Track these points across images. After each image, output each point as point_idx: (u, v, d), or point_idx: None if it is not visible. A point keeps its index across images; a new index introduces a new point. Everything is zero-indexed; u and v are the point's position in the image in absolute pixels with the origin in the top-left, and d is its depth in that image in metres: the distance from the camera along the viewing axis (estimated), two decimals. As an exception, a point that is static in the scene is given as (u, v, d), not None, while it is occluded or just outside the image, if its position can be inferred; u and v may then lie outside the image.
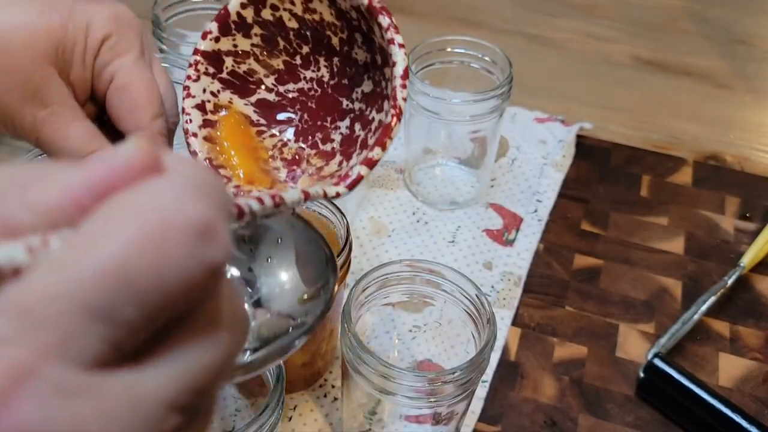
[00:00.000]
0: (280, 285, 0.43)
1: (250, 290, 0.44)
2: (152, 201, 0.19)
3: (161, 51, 0.66)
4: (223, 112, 0.44)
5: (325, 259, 0.41)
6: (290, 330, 0.40)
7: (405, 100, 0.37)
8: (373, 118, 0.41)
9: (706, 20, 0.96)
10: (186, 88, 0.43)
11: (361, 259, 0.63)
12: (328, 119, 0.44)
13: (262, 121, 0.45)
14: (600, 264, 0.66)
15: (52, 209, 0.19)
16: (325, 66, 0.44)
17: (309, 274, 0.42)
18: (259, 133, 0.44)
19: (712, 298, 0.61)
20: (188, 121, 0.43)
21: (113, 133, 0.42)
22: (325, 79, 0.44)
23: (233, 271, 0.44)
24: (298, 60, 0.44)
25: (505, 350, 0.58)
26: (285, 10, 0.43)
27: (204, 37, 0.44)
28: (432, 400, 0.44)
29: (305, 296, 0.42)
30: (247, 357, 0.39)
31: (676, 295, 0.64)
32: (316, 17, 0.43)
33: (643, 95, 0.84)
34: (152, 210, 0.19)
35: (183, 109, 0.43)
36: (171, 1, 0.69)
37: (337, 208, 0.51)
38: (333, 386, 0.55)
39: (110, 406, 0.18)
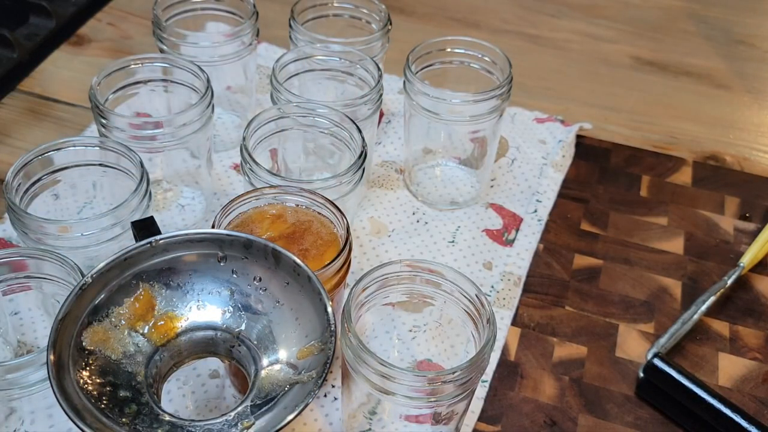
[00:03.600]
0: (281, 341, 0.44)
1: (252, 346, 0.44)
2: None
3: (161, 51, 0.66)
4: None
5: (325, 312, 0.42)
6: (292, 386, 0.41)
7: None
8: None
9: (706, 20, 0.96)
10: None
11: (361, 259, 0.63)
12: None
13: None
14: (600, 264, 0.66)
15: None
16: None
17: (309, 330, 0.42)
18: None
19: (712, 298, 0.61)
20: None
21: None
22: None
23: (241, 327, 0.45)
24: None
25: (505, 350, 0.59)
26: None
27: None
28: (432, 399, 0.44)
29: (306, 351, 0.42)
30: (254, 419, 0.40)
31: (675, 295, 0.64)
32: None
33: (642, 95, 0.84)
34: None
35: None
36: (171, 1, 0.69)
37: (337, 208, 0.51)
38: (333, 386, 0.55)
39: None
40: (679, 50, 0.91)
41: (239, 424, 0.40)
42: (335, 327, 0.42)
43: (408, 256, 0.64)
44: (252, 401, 0.41)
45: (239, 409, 0.41)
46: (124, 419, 0.40)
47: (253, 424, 0.40)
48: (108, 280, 0.43)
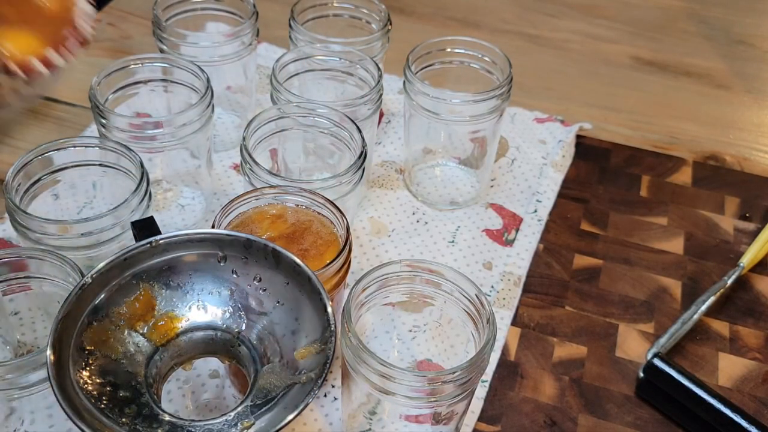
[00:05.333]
0: (281, 341, 0.44)
1: (252, 346, 0.44)
2: None
3: (161, 51, 0.66)
4: None
5: (325, 312, 0.42)
6: (292, 386, 0.41)
7: None
8: None
9: (706, 20, 0.96)
10: None
11: (361, 259, 0.63)
12: None
13: None
14: (599, 264, 0.66)
15: None
16: None
17: (309, 330, 0.42)
18: None
19: (712, 298, 0.61)
20: None
21: None
22: None
23: (241, 327, 0.45)
24: None
25: (505, 350, 0.59)
26: None
27: None
28: (432, 399, 0.44)
29: (306, 351, 0.42)
30: (254, 419, 0.40)
31: (675, 294, 0.64)
32: None
33: (642, 95, 0.84)
34: None
35: None
36: (171, 1, 0.69)
37: (337, 208, 0.51)
38: (333, 386, 0.55)
39: None
40: (679, 50, 0.91)
41: (239, 424, 0.40)
42: (335, 327, 0.42)
43: (408, 256, 0.64)
44: (252, 401, 0.41)
45: (239, 409, 0.41)
46: (124, 419, 0.40)
47: (253, 424, 0.40)
48: (108, 280, 0.43)
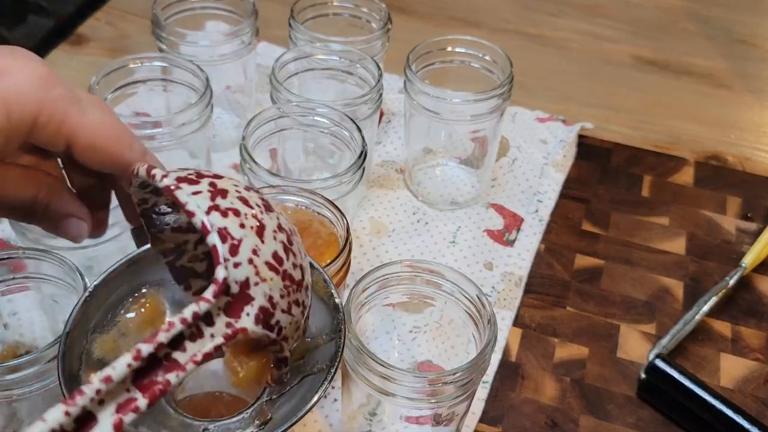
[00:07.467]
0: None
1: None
2: None
3: (160, 50, 0.66)
4: None
5: (332, 300, 0.41)
6: (305, 378, 0.40)
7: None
8: None
9: (707, 20, 0.96)
10: None
11: (361, 259, 0.63)
12: None
13: None
14: (601, 264, 0.65)
15: None
16: None
17: (318, 322, 0.42)
18: None
19: (714, 299, 0.61)
20: None
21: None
22: None
23: None
24: None
25: (506, 351, 0.58)
26: None
27: None
28: (432, 401, 0.43)
29: (316, 345, 0.42)
30: (270, 414, 0.40)
31: (677, 295, 0.63)
32: None
33: (643, 95, 0.84)
34: None
35: None
36: (170, 0, 0.69)
37: (337, 208, 0.51)
38: (333, 387, 0.55)
39: None
40: (680, 50, 0.91)
41: (256, 420, 0.40)
42: (344, 314, 0.41)
43: (408, 256, 0.64)
44: (268, 396, 0.41)
45: (255, 405, 0.41)
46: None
47: (270, 418, 0.40)
48: (112, 288, 0.43)
